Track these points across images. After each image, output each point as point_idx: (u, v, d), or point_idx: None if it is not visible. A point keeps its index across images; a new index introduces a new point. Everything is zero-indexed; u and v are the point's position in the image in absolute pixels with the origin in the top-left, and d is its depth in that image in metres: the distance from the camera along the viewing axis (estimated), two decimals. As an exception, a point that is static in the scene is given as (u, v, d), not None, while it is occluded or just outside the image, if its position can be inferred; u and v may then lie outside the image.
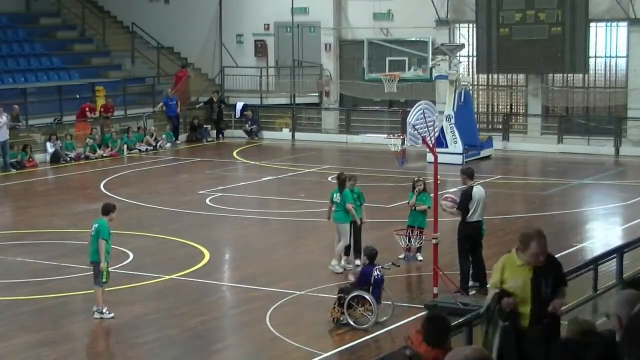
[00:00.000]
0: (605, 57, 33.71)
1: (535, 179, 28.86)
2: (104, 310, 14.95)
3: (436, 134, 17.60)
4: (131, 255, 18.71)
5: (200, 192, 25.67)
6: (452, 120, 30.09)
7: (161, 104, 36.23)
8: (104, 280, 14.97)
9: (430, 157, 19.64)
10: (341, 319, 14.45)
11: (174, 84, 37.70)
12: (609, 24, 33.41)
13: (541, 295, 8.79)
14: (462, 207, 15.84)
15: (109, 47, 39.41)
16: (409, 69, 33.56)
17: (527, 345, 8.76)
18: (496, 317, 8.83)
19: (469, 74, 34.53)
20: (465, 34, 35.27)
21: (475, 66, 34.98)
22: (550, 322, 8.89)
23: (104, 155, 32.46)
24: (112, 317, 14.94)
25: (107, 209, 15.23)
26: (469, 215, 15.84)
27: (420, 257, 17.83)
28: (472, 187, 16.01)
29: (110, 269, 15.26)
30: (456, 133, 30.02)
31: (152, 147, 33.90)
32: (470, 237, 15.87)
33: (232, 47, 39.26)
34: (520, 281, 8.80)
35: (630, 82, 33.02)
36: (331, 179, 27.12)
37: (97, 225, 15.02)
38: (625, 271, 13.63)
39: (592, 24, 33.06)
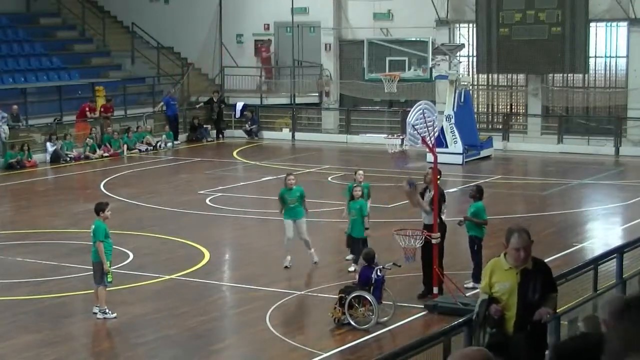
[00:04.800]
0: (605, 57, 33.72)
1: (535, 179, 28.85)
2: (107, 311, 14.95)
3: (436, 134, 17.60)
4: (131, 255, 18.71)
5: (200, 192, 25.67)
6: (452, 120, 30.10)
7: (162, 103, 36.27)
8: (109, 280, 14.97)
9: (430, 157, 19.66)
10: (342, 319, 14.45)
11: (261, 60, 38.42)
12: (609, 24, 33.42)
13: (527, 300, 8.59)
14: (441, 205, 15.89)
15: (109, 47, 39.42)
16: (409, 69, 33.53)
17: (511, 351, 8.58)
18: (485, 324, 8.70)
19: (469, 74, 34.55)
20: (465, 34, 35.29)
21: (475, 66, 34.99)
22: (535, 328, 8.65)
23: (104, 155, 32.48)
24: (115, 317, 14.94)
25: (98, 208, 15.21)
26: (444, 214, 15.91)
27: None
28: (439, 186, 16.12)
29: (111, 269, 15.25)
30: (456, 133, 30.03)
31: (152, 147, 33.91)
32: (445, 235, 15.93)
33: (232, 47, 39.26)
34: (507, 285, 8.62)
35: (630, 82, 33.02)
36: (331, 179, 27.17)
37: (93, 226, 15.02)
38: (625, 271, 13.62)
39: (592, 24, 33.07)
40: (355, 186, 17.79)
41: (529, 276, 8.60)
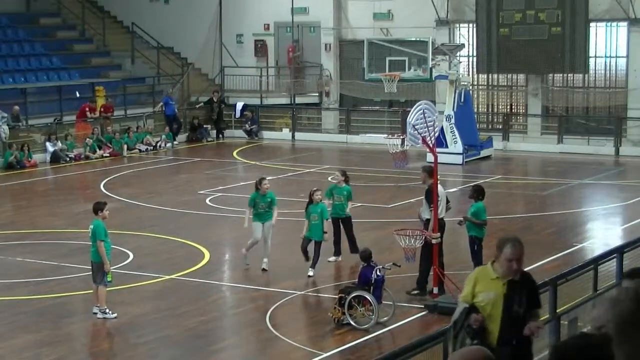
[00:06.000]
0: (605, 57, 33.72)
1: (535, 179, 28.85)
2: (107, 311, 14.95)
3: (436, 134, 17.60)
4: (131, 255, 18.71)
5: (200, 192, 25.67)
6: (452, 120, 30.09)
7: (161, 103, 36.29)
8: (109, 279, 14.97)
9: (430, 157, 19.67)
10: (342, 319, 14.45)
11: (287, 61, 38.33)
12: (609, 24, 33.43)
13: (513, 313, 8.28)
14: (433, 204, 15.88)
15: (109, 47, 39.43)
16: (409, 69, 33.55)
17: None
18: (464, 334, 8.34)
19: (469, 74, 34.54)
20: (465, 34, 35.29)
21: (475, 66, 34.99)
22: (520, 343, 8.31)
23: (104, 155, 32.49)
24: (115, 317, 14.94)
25: (97, 208, 15.20)
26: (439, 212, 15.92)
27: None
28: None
29: (111, 269, 15.25)
30: (456, 133, 30.02)
31: (152, 147, 33.91)
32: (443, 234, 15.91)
33: (232, 47, 39.26)
34: (492, 295, 8.29)
35: (630, 82, 33.03)
36: (331, 179, 27.13)
37: (92, 226, 15.02)
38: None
39: (592, 24, 33.08)
40: (315, 190, 17.72)
41: (516, 288, 8.30)
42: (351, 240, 18.10)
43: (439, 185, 16.10)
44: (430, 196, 15.88)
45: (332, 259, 18.04)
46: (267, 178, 18.86)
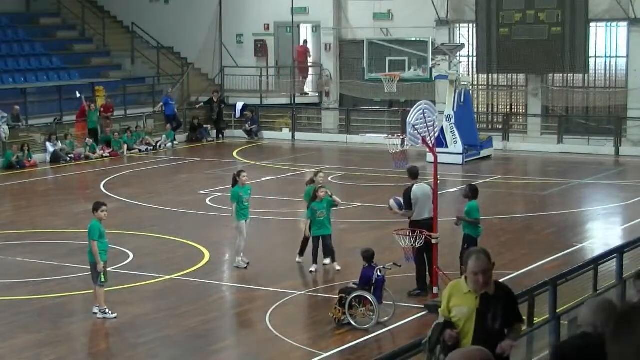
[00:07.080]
0: (605, 57, 33.73)
1: (535, 179, 28.85)
2: (107, 311, 14.94)
3: (436, 134, 17.61)
4: (131, 255, 18.71)
5: (200, 192, 25.67)
6: (452, 120, 30.10)
7: (161, 103, 36.31)
8: (102, 280, 14.94)
9: (430, 157, 19.69)
10: (342, 319, 14.45)
11: (297, 60, 38.01)
12: (609, 24, 33.43)
13: (486, 328, 7.99)
14: (406, 207, 16.04)
15: (109, 47, 39.44)
16: (409, 69, 33.52)
17: None
18: (439, 351, 8.11)
19: (469, 74, 34.55)
20: (465, 34, 35.30)
21: (475, 66, 35.00)
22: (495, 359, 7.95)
23: (104, 155, 32.49)
24: (115, 317, 14.93)
25: (94, 207, 15.19)
26: (414, 215, 15.96)
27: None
28: (413, 185, 16.19)
29: (109, 269, 15.25)
30: (456, 133, 30.03)
31: (152, 147, 33.91)
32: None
33: (232, 47, 39.27)
34: (465, 310, 8.03)
35: (630, 82, 33.03)
36: (331, 178, 27.14)
37: (89, 226, 15.02)
38: (625, 271, 13.62)
39: (592, 24, 33.08)
40: (319, 187, 17.74)
41: (489, 302, 8.01)
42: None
43: (420, 187, 16.21)
44: (405, 197, 16.07)
45: (313, 268, 17.74)
46: (245, 171, 18.92)
